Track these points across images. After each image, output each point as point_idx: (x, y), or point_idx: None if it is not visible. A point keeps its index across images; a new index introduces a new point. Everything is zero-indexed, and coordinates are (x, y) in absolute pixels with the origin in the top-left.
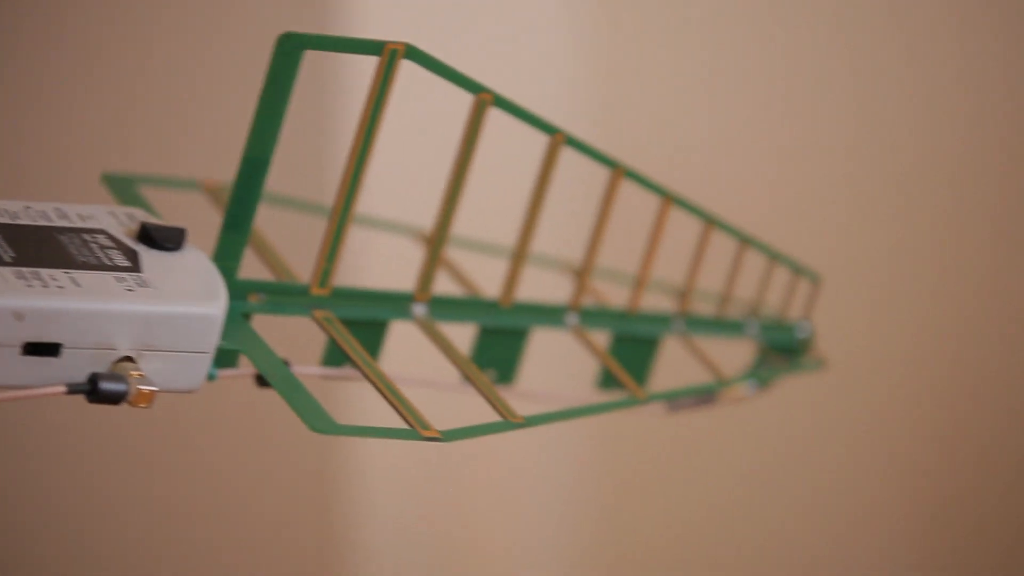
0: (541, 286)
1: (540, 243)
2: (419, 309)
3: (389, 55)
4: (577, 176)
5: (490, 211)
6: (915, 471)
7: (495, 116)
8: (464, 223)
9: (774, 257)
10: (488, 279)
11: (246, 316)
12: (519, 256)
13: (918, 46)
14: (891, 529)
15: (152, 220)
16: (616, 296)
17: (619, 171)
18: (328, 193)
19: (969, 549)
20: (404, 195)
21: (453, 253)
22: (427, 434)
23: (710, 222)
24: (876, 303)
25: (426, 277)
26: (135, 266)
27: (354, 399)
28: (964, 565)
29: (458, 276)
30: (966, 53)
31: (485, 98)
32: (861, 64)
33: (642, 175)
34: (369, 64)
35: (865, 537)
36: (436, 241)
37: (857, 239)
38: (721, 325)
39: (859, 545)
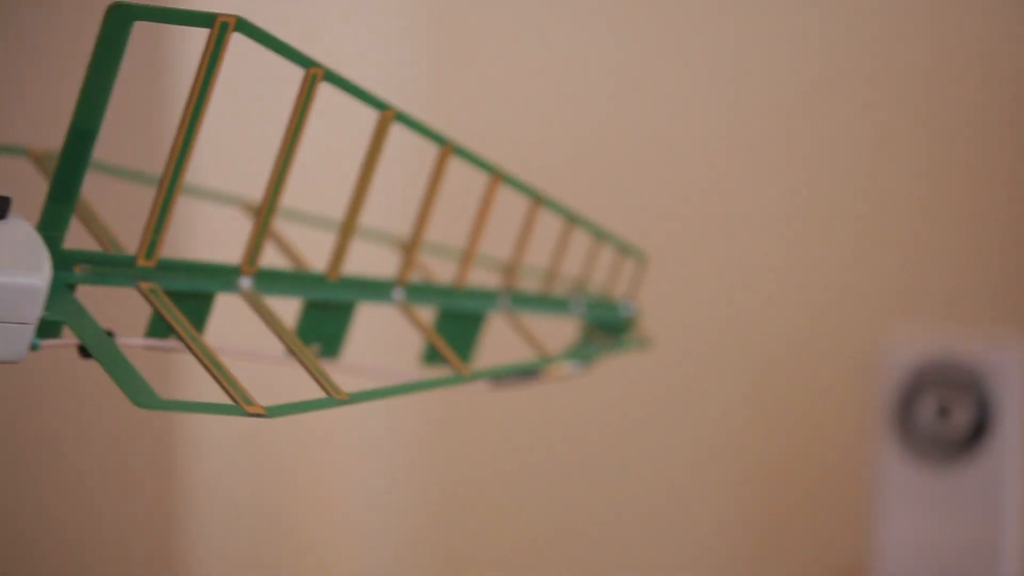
0: (369, 261)
1: (369, 218)
2: (245, 282)
3: (220, 28)
4: (408, 153)
5: (320, 186)
6: (735, 448)
7: (330, 93)
8: (294, 197)
9: (600, 236)
10: (316, 253)
11: (71, 287)
12: (347, 230)
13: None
14: (712, 501)
15: None
16: (443, 272)
17: (447, 148)
18: (160, 166)
19: (788, 522)
20: (236, 171)
21: (282, 227)
22: (251, 410)
23: (537, 200)
24: (700, 283)
25: (253, 250)
26: None
27: (182, 371)
28: (783, 535)
29: (286, 249)
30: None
31: (316, 72)
32: (685, 29)
33: (471, 152)
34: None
35: (686, 508)
36: (264, 213)
37: (682, 219)
38: (547, 302)
39: (681, 514)
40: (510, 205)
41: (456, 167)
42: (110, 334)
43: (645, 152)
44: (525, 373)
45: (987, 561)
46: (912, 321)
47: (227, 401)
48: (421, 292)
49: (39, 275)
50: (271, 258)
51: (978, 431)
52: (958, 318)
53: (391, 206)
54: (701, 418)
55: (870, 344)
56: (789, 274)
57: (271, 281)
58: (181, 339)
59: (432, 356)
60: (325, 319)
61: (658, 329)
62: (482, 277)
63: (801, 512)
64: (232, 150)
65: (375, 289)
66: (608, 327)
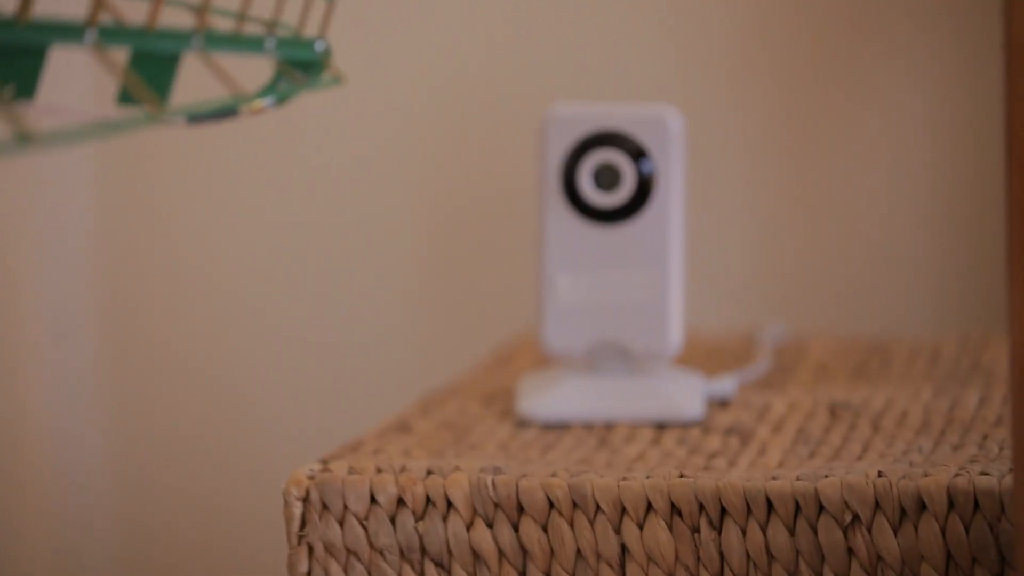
0: (61, 4)
1: None
2: None
3: None
4: None
5: None
6: (423, 180)
7: None
8: None
9: None
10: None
11: None
12: None
13: None
14: (393, 257)
15: None
16: (135, 13)
17: None
18: None
19: (468, 284)
20: None
21: None
22: None
23: None
24: (391, 24)
25: None
26: None
27: None
28: (463, 295)
29: None
30: None
31: None
32: None
33: None
34: None
35: (371, 267)
36: None
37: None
38: (240, 42)
39: (366, 272)
40: None
41: None
42: None
43: None
44: (222, 112)
45: (652, 321)
46: (577, 97)
47: None
48: (114, 33)
49: None
50: None
51: (639, 195)
52: (621, 96)
53: None
54: (387, 169)
55: (540, 115)
56: (476, 47)
57: None
58: None
59: (126, 97)
60: (18, 63)
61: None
62: (174, 17)
63: (479, 275)
64: None
65: (67, 31)
66: (301, 65)
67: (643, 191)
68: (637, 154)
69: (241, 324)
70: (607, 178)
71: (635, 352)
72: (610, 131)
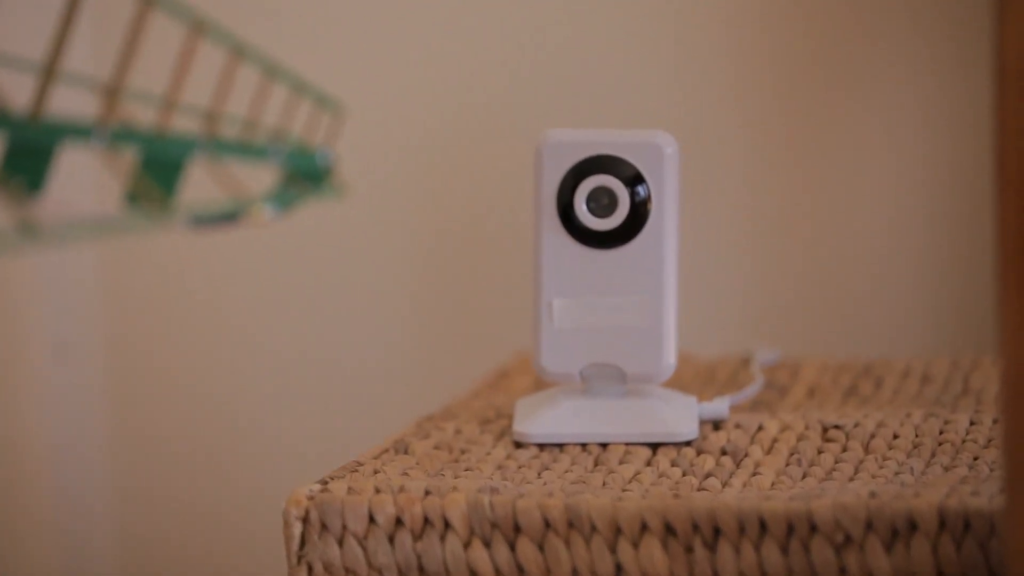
0: (71, 103)
1: (73, 62)
2: None
3: None
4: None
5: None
6: (421, 203)
7: None
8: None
9: (299, 88)
10: (18, 92)
11: None
12: (49, 71)
13: None
14: (393, 293)
15: None
16: (144, 117)
17: None
18: None
19: (467, 308)
20: None
21: None
22: None
23: (238, 52)
24: (388, 50)
25: None
26: None
27: None
28: (461, 319)
29: None
30: None
31: None
32: None
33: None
34: None
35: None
36: None
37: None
38: (246, 150)
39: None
40: (212, 54)
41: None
42: None
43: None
44: (226, 217)
45: (646, 345)
46: (573, 121)
47: None
48: (123, 136)
49: None
50: None
51: (634, 219)
52: (613, 122)
53: (100, 50)
54: (385, 192)
55: (537, 140)
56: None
57: None
58: None
59: (133, 199)
60: (27, 161)
61: (355, 172)
62: (182, 125)
63: (477, 297)
64: None
65: (77, 132)
66: (306, 175)
67: (638, 216)
68: (632, 179)
69: (241, 343)
70: (602, 203)
71: (630, 375)
72: (605, 157)
